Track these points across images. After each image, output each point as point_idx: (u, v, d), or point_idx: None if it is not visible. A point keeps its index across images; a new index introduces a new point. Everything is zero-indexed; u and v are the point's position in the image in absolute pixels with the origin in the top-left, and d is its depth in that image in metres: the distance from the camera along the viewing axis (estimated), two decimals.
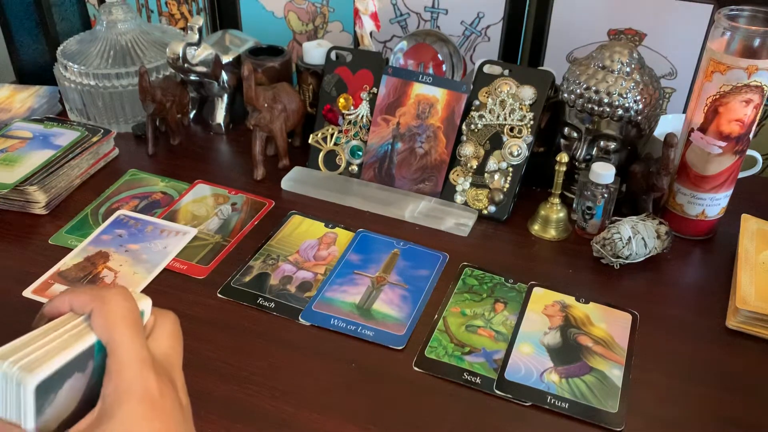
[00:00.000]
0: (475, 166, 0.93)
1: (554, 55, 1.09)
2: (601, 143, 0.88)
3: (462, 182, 0.94)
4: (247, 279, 0.81)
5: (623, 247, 0.81)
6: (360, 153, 0.98)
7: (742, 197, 0.90)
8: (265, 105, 0.96)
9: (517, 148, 0.91)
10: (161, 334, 0.44)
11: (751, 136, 0.82)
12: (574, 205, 0.90)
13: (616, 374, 0.70)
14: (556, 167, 0.86)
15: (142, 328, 0.41)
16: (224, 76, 1.08)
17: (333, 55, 1.00)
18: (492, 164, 0.92)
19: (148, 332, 0.43)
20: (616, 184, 0.86)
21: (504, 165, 0.92)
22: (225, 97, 1.11)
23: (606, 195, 0.86)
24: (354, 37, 1.16)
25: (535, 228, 0.90)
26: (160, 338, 0.43)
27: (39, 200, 0.91)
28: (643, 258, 0.83)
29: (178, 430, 0.40)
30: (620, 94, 0.83)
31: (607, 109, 0.84)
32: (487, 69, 0.94)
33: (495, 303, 0.78)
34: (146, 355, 0.40)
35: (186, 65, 1.02)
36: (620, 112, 0.84)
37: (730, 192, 0.86)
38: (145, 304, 0.44)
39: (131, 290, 0.43)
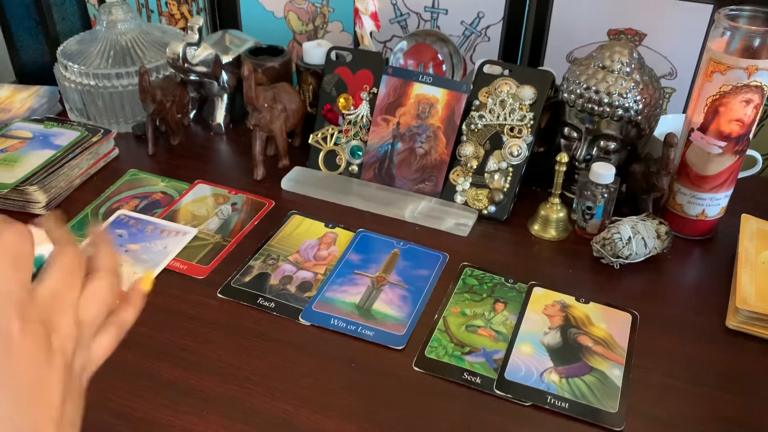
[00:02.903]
0: (475, 166, 0.93)
1: (554, 55, 1.09)
2: (601, 143, 0.88)
3: (462, 182, 0.94)
4: (247, 279, 0.81)
5: (623, 247, 0.81)
6: (360, 153, 0.98)
7: (742, 197, 0.90)
8: (265, 105, 0.96)
9: (517, 148, 0.91)
10: (51, 274, 0.40)
11: (751, 136, 0.82)
12: (574, 205, 0.90)
13: (616, 374, 0.70)
14: (556, 167, 0.86)
15: (24, 266, 0.38)
16: (224, 76, 1.08)
17: (333, 55, 1.00)
18: (492, 164, 0.92)
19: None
20: (616, 184, 0.86)
21: (504, 165, 0.92)
22: (225, 97, 1.11)
23: (606, 195, 0.86)
24: (354, 37, 1.16)
25: (535, 228, 0.90)
26: (48, 278, 0.40)
27: (39, 200, 0.91)
28: (643, 258, 0.83)
29: (35, 372, 0.37)
30: (620, 94, 0.83)
31: (607, 109, 0.84)
32: (487, 69, 0.94)
33: (495, 303, 0.78)
34: (13, 290, 0.37)
35: (186, 65, 1.02)
36: (620, 112, 0.84)
37: (730, 192, 0.86)
38: (46, 249, 0.42)
39: (37, 230, 0.41)
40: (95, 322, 0.42)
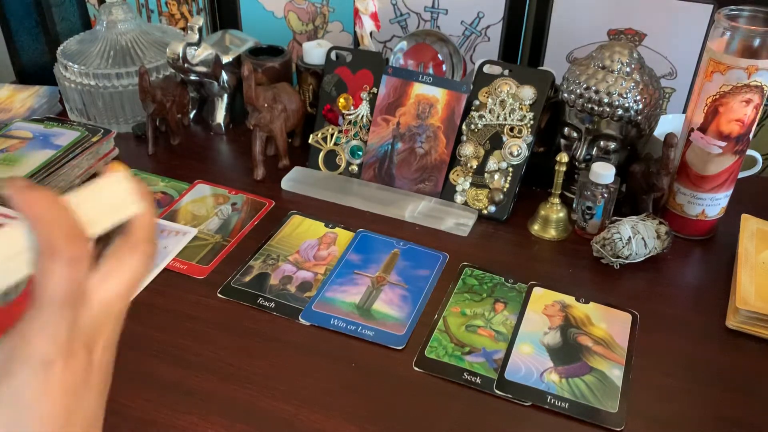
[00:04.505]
0: (475, 166, 0.93)
1: (554, 55, 1.09)
2: (601, 143, 0.88)
3: (462, 182, 0.94)
4: (247, 279, 0.81)
5: (623, 247, 0.81)
6: (360, 153, 0.98)
7: (742, 197, 0.90)
8: (265, 105, 0.96)
9: (517, 148, 0.91)
10: (117, 273, 0.36)
11: (751, 136, 0.82)
12: (574, 205, 0.90)
13: (616, 374, 0.70)
14: (556, 167, 0.86)
15: (76, 301, 0.34)
16: (224, 76, 1.08)
17: (333, 55, 1.00)
18: (492, 164, 0.92)
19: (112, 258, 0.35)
20: (616, 184, 0.86)
21: (504, 165, 0.92)
22: (225, 97, 1.11)
23: (606, 195, 0.86)
24: (354, 37, 1.16)
25: (535, 228, 0.90)
26: (112, 279, 0.36)
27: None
28: (643, 258, 0.83)
29: (73, 399, 0.35)
30: (620, 94, 0.83)
31: (607, 109, 0.84)
32: (487, 69, 0.94)
33: (495, 303, 0.78)
34: (60, 332, 0.34)
35: (186, 65, 1.02)
36: (620, 112, 0.84)
37: (730, 192, 0.86)
38: (135, 208, 0.35)
39: (123, 182, 0.35)
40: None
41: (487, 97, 0.93)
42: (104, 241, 0.36)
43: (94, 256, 0.36)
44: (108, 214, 0.34)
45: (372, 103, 0.98)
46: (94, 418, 0.38)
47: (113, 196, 0.35)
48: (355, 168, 0.99)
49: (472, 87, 0.94)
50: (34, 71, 1.26)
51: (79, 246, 0.33)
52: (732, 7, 0.79)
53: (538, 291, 0.80)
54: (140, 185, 0.37)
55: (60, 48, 1.11)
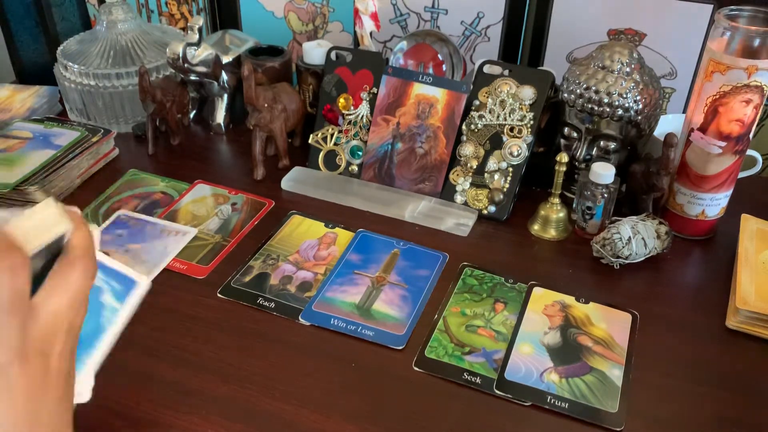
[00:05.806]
0: (475, 166, 0.93)
1: (554, 55, 1.09)
2: (601, 143, 0.88)
3: (462, 182, 0.94)
4: (247, 279, 0.81)
5: (623, 247, 0.81)
6: (360, 153, 0.98)
7: (742, 197, 0.90)
8: (265, 105, 0.96)
9: (517, 148, 0.91)
10: (58, 297, 0.39)
11: (751, 136, 0.82)
12: (574, 205, 0.90)
13: (616, 374, 0.70)
14: (556, 167, 0.86)
15: (20, 306, 0.36)
16: (224, 76, 1.08)
17: (333, 55, 1.00)
18: (492, 164, 0.92)
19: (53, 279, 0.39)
20: (616, 184, 0.86)
21: (504, 165, 0.92)
22: (225, 97, 1.11)
23: (606, 195, 0.86)
24: (354, 37, 1.16)
25: (535, 228, 0.90)
26: (54, 300, 0.39)
27: (39, 200, 0.91)
28: (643, 258, 0.83)
29: (34, 401, 0.37)
30: (620, 94, 0.83)
31: (607, 109, 0.84)
32: (487, 69, 0.94)
33: (495, 303, 0.78)
34: (10, 335, 0.36)
35: (186, 65, 1.02)
36: (620, 112, 0.84)
37: (730, 192, 0.86)
38: (64, 228, 0.40)
39: (51, 206, 0.39)
40: (83, 322, 0.41)
41: (487, 97, 0.93)
42: (48, 266, 0.40)
43: (37, 276, 0.39)
44: (39, 233, 0.39)
45: (372, 103, 0.98)
46: (61, 425, 0.39)
47: (43, 218, 0.40)
48: (355, 168, 0.99)
49: (472, 87, 0.94)
50: (34, 71, 1.26)
51: (15, 256, 0.36)
52: (732, 7, 0.79)
53: (538, 291, 0.80)
54: (67, 207, 0.42)
55: (60, 48, 1.11)
